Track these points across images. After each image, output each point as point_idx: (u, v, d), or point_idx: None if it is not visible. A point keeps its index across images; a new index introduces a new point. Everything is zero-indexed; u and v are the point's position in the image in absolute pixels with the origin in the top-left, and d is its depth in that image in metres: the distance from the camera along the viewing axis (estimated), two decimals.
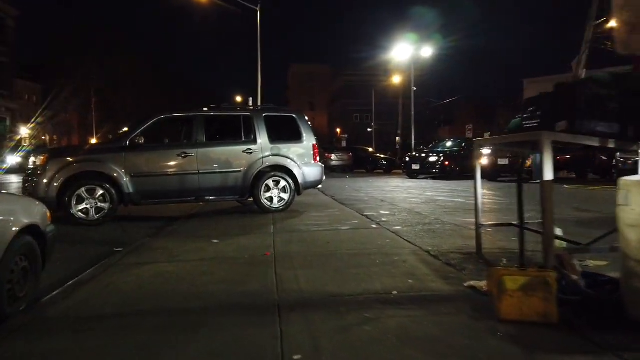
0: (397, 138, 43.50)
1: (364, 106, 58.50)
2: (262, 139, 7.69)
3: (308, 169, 7.93)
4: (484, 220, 4.79)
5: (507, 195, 10.03)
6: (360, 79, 61.37)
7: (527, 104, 3.70)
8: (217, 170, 7.41)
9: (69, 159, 6.89)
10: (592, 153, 15.25)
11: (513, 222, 4.12)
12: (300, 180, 7.79)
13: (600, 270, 3.25)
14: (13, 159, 28.64)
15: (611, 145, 2.96)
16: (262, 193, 7.63)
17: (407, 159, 18.81)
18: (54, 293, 3.24)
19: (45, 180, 6.69)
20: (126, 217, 7.73)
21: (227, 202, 8.53)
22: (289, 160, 7.78)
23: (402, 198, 9.77)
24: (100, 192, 6.83)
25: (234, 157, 7.54)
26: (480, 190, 3.98)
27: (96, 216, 6.82)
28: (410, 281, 3.20)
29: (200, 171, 7.31)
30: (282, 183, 7.73)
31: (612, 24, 4.27)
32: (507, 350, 2.12)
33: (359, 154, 28.04)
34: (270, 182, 7.69)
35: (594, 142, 2.95)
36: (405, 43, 25.00)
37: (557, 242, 2.98)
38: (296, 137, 8.00)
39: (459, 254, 4.04)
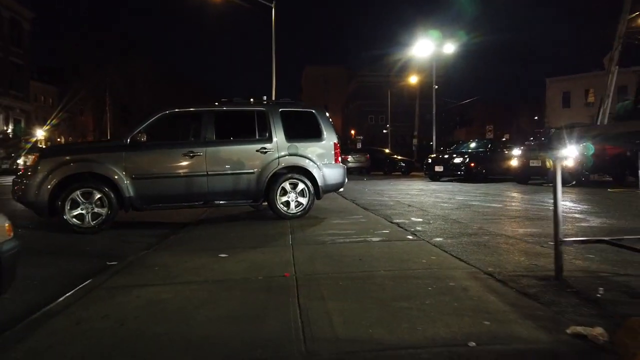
0: (414, 140, 42.50)
1: (379, 107, 57.53)
2: (278, 136, 6.87)
3: (329, 170, 7.09)
4: (532, 231, 3.89)
5: (546, 200, 9.06)
6: (375, 80, 60.41)
7: None
8: (228, 172, 6.61)
9: (62, 158, 6.13)
10: (630, 152, 14.09)
11: (604, 238, 3.21)
12: (320, 182, 6.96)
13: None
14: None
15: None
16: (277, 197, 6.81)
17: (430, 160, 17.83)
18: (7, 333, 2.45)
19: (35, 183, 5.95)
20: (127, 224, 6.98)
21: (239, 207, 7.72)
22: (307, 161, 6.95)
23: (431, 203, 8.87)
24: (98, 195, 6.07)
25: (247, 157, 6.74)
26: (560, 195, 3.09)
27: (92, 223, 6.06)
28: (486, 322, 2.33)
29: (209, 172, 6.51)
30: (300, 186, 6.90)
31: None
32: None
33: (376, 156, 27.07)
34: (286, 185, 6.87)
35: None
36: (426, 40, 24.01)
37: None
38: (316, 135, 7.17)
39: (533, 279, 3.15)
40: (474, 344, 2.06)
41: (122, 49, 47.81)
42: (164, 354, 2.11)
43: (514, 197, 10.12)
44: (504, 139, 22.43)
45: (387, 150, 30.70)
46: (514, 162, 14.97)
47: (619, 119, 15.82)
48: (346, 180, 7.46)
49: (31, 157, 6.35)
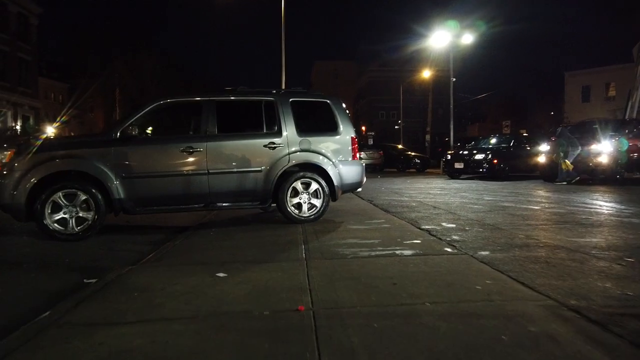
0: (427, 136, 41.41)
1: (390, 103, 56.47)
2: (289, 130, 6.05)
3: (345, 168, 6.26)
4: (593, 241, 3.01)
5: (587, 201, 8.13)
6: (386, 75, 59.31)
7: None
8: (232, 170, 5.81)
9: (42, 154, 5.35)
10: None
11: None
12: (335, 182, 6.13)
13: None
14: None
15: None
16: (288, 198, 6.00)
17: (449, 157, 16.86)
18: None
19: (11, 182, 5.18)
20: (119, 228, 6.22)
21: (246, 209, 6.93)
22: (321, 157, 6.12)
23: (457, 204, 7.98)
24: (83, 197, 5.30)
25: (253, 152, 5.92)
26: None
27: (77, 229, 5.29)
28: None
29: (211, 171, 5.71)
30: (314, 186, 6.08)
31: None
32: None
33: (390, 152, 26.11)
34: (298, 185, 6.05)
35: None
36: (442, 31, 22.93)
37: None
38: (331, 129, 6.34)
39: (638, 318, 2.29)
40: None
41: (130, 43, 47.27)
42: None
43: (549, 197, 9.19)
44: (525, 134, 21.30)
45: (400, 146, 29.72)
46: (542, 159, 13.98)
47: None
48: (364, 179, 6.63)
49: (6, 154, 5.54)
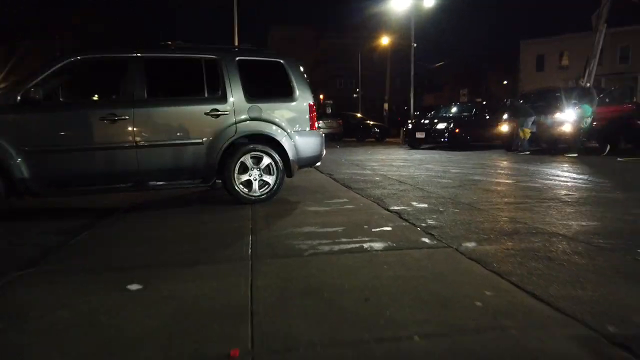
0: (385, 105, 40.86)
1: (348, 70, 55.49)
2: (235, 95, 5.10)
3: (302, 140, 5.42)
4: (589, 225, 2.40)
5: (558, 172, 7.70)
6: (344, 42, 57.95)
7: None
8: (167, 142, 4.84)
9: None
10: (626, 119, 12.95)
11: None
12: (291, 155, 5.29)
13: None
14: None
15: None
16: (235, 175, 5.11)
17: (410, 126, 16.27)
18: None
19: None
20: (31, 211, 5.16)
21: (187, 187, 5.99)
22: (274, 127, 5.24)
23: (424, 178, 7.33)
24: None
25: (192, 121, 4.96)
26: None
27: None
28: None
29: (139, 143, 4.73)
30: (266, 160, 5.21)
31: None
32: None
33: (349, 121, 25.42)
34: (247, 160, 5.16)
35: None
36: None
37: None
38: (285, 94, 5.44)
39: None
40: None
41: (73, 5, 43.45)
42: None
43: (518, 169, 8.72)
44: (484, 103, 21.04)
45: (359, 115, 29.04)
46: (504, 128, 13.62)
47: None
48: (324, 152, 5.82)
49: None
